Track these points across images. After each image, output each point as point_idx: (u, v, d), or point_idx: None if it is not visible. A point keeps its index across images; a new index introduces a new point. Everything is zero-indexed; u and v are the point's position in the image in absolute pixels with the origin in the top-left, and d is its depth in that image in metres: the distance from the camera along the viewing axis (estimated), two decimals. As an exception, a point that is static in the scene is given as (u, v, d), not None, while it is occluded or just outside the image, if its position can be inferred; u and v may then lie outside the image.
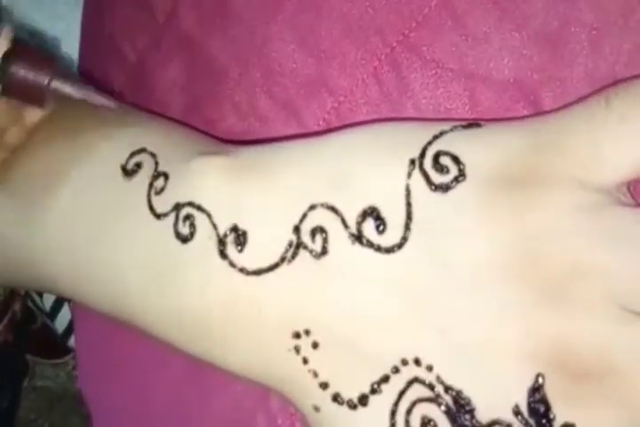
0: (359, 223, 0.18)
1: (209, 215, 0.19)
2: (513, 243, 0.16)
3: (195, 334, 0.19)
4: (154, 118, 0.25)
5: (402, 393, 0.17)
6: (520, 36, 0.19)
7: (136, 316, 0.21)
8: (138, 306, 0.20)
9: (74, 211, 0.22)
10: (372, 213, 0.18)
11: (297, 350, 0.18)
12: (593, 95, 0.17)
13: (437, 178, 0.17)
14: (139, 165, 0.21)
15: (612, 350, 0.15)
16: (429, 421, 0.16)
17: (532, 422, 0.15)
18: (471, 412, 0.16)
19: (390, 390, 0.17)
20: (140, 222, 0.20)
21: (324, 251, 0.18)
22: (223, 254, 0.19)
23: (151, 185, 0.21)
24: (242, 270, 0.18)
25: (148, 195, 0.21)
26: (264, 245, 0.18)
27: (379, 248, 0.17)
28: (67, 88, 0.23)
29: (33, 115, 0.26)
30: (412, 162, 0.18)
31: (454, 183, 0.17)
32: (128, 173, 0.22)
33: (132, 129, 0.23)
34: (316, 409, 0.18)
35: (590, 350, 0.15)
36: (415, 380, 0.17)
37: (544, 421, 0.15)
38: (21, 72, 0.23)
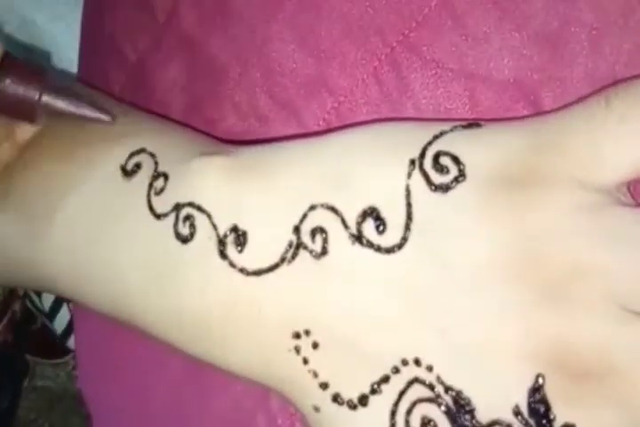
0: (359, 223, 0.18)
1: (209, 216, 0.19)
2: (513, 243, 0.16)
3: (195, 334, 0.19)
4: (154, 118, 0.25)
5: (402, 393, 0.17)
6: (520, 36, 0.19)
7: (136, 316, 0.21)
8: (138, 306, 0.20)
9: (74, 212, 0.22)
10: (372, 213, 0.18)
11: (297, 350, 0.18)
12: (593, 95, 0.17)
13: (437, 178, 0.17)
14: (138, 166, 0.21)
15: (612, 350, 0.15)
16: (429, 421, 0.16)
17: (532, 422, 0.15)
18: (471, 412, 0.16)
19: (390, 391, 0.17)
20: (139, 223, 0.20)
21: (324, 251, 0.18)
22: (223, 255, 0.19)
23: (151, 185, 0.21)
24: (242, 271, 0.18)
25: (148, 195, 0.20)
26: (264, 246, 0.18)
27: (379, 248, 0.17)
28: (58, 103, 0.22)
29: (24, 131, 0.25)
30: (412, 162, 0.18)
31: (454, 183, 0.17)
32: (128, 173, 0.21)
33: (131, 129, 0.23)
34: (316, 409, 0.18)
35: (590, 350, 0.15)
36: (415, 380, 0.17)
37: (544, 421, 0.15)
38: (11, 87, 0.22)
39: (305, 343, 0.18)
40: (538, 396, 0.15)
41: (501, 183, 0.17)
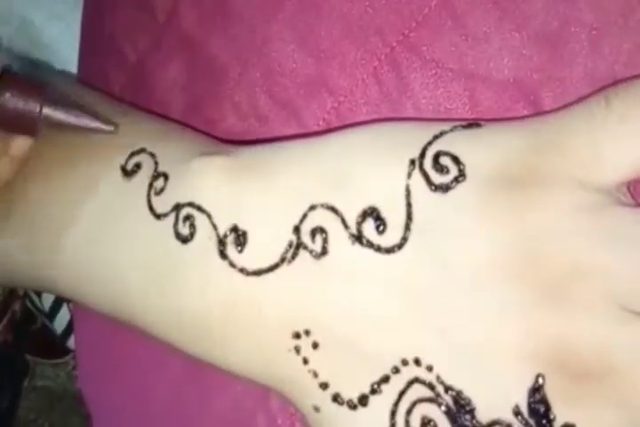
0: (359, 223, 0.18)
1: (209, 216, 0.19)
2: (513, 243, 0.16)
3: (195, 334, 0.19)
4: (154, 118, 0.25)
5: (402, 393, 0.17)
6: (520, 35, 0.19)
7: (136, 316, 0.21)
8: (138, 306, 0.20)
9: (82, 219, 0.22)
10: (372, 213, 0.18)
11: (297, 350, 0.18)
12: (593, 95, 0.17)
13: (437, 178, 0.17)
14: (138, 166, 0.21)
15: (612, 350, 0.15)
16: (429, 421, 0.16)
17: (532, 422, 0.15)
18: (471, 412, 0.16)
19: (390, 391, 0.17)
20: (139, 223, 0.20)
21: (324, 251, 0.18)
22: (223, 255, 0.19)
23: (151, 185, 0.21)
24: (242, 271, 0.18)
25: (148, 195, 0.20)
26: (264, 246, 0.18)
27: (379, 248, 0.17)
28: (59, 115, 0.22)
29: (21, 144, 0.25)
30: (412, 162, 0.18)
31: (454, 183, 0.17)
32: (128, 173, 0.21)
33: (131, 129, 0.23)
34: (316, 409, 0.18)
35: (590, 350, 0.15)
36: (415, 380, 0.17)
37: (544, 421, 0.15)
38: (11, 101, 0.22)
39: (305, 343, 0.18)
40: (538, 396, 0.15)
41: (501, 183, 0.17)
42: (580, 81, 0.19)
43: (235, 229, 0.19)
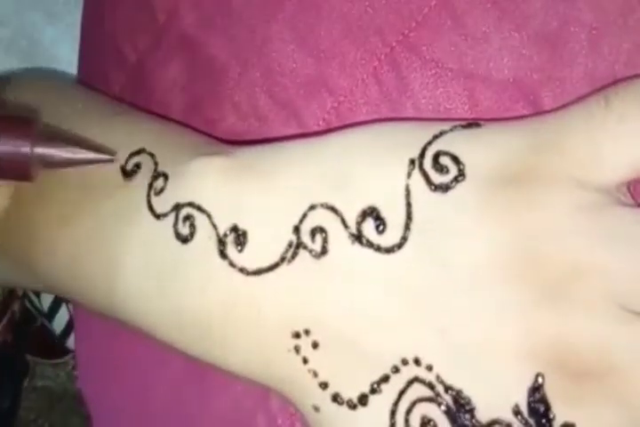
0: (359, 223, 0.18)
1: (209, 215, 0.19)
2: (512, 243, 0.16)
3: (195, 334, 0.19)
4: (153, 119, 0.25)
5: (402, 393, 0.17)
6: (519, 35, 0.19)
7: (136, 316, 0.21)
8: (138, 306, 0.20)
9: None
10: (372, 213, 0.18)
11: (297, 350, 0.18)
12: (592, 95, 0.17)
13: (437, 178, 0.17)
14: (138, 166, 0.21)
15: (611, 350, 0.15)
16: (429, 420, 0.16)
17: (531, 421, 0.15)
18: (471, 411, 0.16)
19: (390, 390, 0.17)
20: (139, 223, 0.20)
21: (324, 251, 0.18)
22: (223, 254, 0.19)
23: (151, 185, 0.21)
24: (242, 270, 0.18)
25: (148, 195, 0.20)
26: (264, 245, 0.18)
27: (378, 248, 0.17)
28: (52, 151, 0.21)
29: None
30: (412, 162, 0.18)
31: (454, 183, 0.17)
32: (127, 173, 0.21)
33: (131, 129, 0.23)
34: (316, 409, 0.18)
35: (590, 350, 0.15)
36: (415, 380, 0.17)
37: (544, 420, 0.15)
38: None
39: (305, 343, 0.18)
40: (537, 395, 0.15)
41: (501, 183, 0.17)
42: (579, 81, 0.19)
43: (235, 228, 0.19)
